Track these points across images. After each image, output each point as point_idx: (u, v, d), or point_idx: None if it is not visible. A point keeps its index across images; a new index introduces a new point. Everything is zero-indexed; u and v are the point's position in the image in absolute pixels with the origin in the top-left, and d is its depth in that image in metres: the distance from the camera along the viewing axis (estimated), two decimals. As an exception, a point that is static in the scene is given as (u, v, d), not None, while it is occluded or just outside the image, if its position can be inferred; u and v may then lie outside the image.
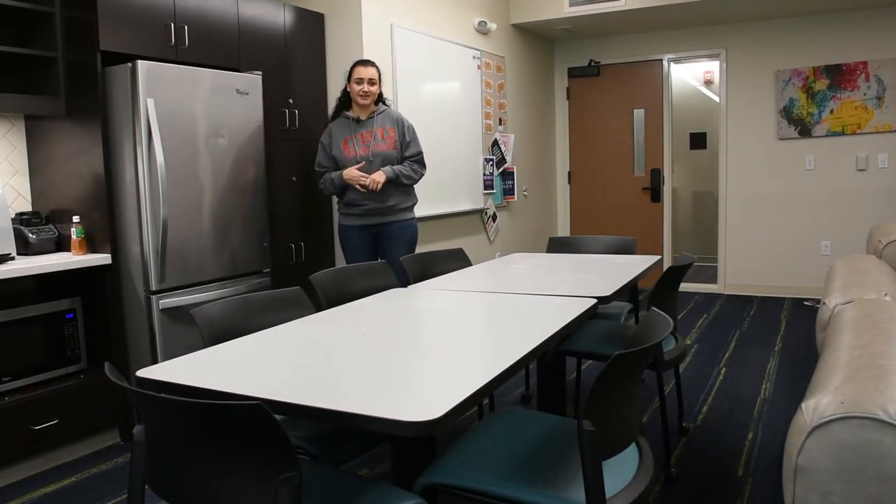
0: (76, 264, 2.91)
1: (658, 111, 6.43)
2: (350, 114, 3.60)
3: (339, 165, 3.60)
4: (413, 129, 3.68)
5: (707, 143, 7.55)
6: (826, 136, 5.79)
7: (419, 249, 4.57)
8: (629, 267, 2.85)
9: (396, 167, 3.56)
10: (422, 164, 3.69)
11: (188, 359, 1.66)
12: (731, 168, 6.19)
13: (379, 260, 3.41)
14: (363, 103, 3.54)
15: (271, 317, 2.12)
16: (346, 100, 3.63)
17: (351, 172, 3.49)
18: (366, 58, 4.11)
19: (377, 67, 3.58)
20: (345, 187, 3.57)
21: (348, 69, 3.61)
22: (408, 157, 3.63)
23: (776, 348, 4.41)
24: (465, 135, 5.17)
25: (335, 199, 3.98)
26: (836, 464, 1.31)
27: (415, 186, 3.75)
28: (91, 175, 3.05)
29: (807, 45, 5.79)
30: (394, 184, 3.57)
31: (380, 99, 3.65)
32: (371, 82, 3.52)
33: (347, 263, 3.64)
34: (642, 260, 3.05)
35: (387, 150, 3.58)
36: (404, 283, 2.74)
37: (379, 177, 3.49)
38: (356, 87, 3.52)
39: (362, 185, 3.48)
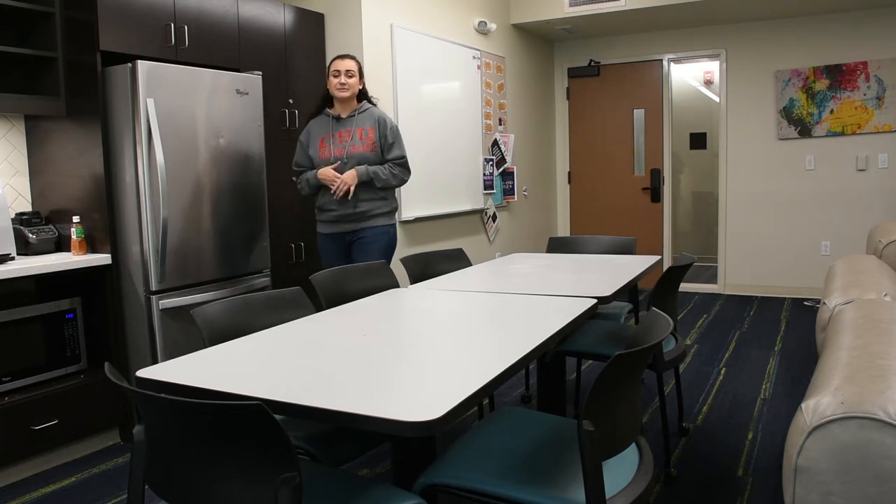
0: (76, 264, 2.91)
1: (658, 111, 6.43)
2: (331, 111, 3.40)
3: (314, 165, 3.40)
4: (397, 131, 3.41)
5: (707, 143, 7.55)
6: (826, 136, 5.79)
7: (418, 250, 4.58)
8: (629, 267, 2.85)
9: (372, 167, 3.31)
10: (405, 168, 3.41)
11: (188, 359, 1.66)
12: (731, 168, 6.19)
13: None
14: (342, 96, 3.32)
15: (271, 317, 2.12)
16: (328, 97, 3.43)
17: (326, 172, 3.29)
18: (367, 58, 4.13)
19: (356, 60, 3.37)
20: (319, 188, 3.38)
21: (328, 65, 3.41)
22: (390, 161, 3.37)
23: (776, 348, 4.41)
24: (466, 135, 5.17)
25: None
26: (836, 464, 1.31)
27: (401, 189, 3.56)
28: (91, 175, 3.06)
29: (807, 45, 5.79)
30: (367, 186, 3.32)
31: (364, 97, 3.44)
32: (349, 74, 3.31)
33: None
34: (642, 260, 3.05)
35: (364, 151, 3.33)
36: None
37: (350, 178, 3.26)
38: (333, 80, 3.32)
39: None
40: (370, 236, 3.38)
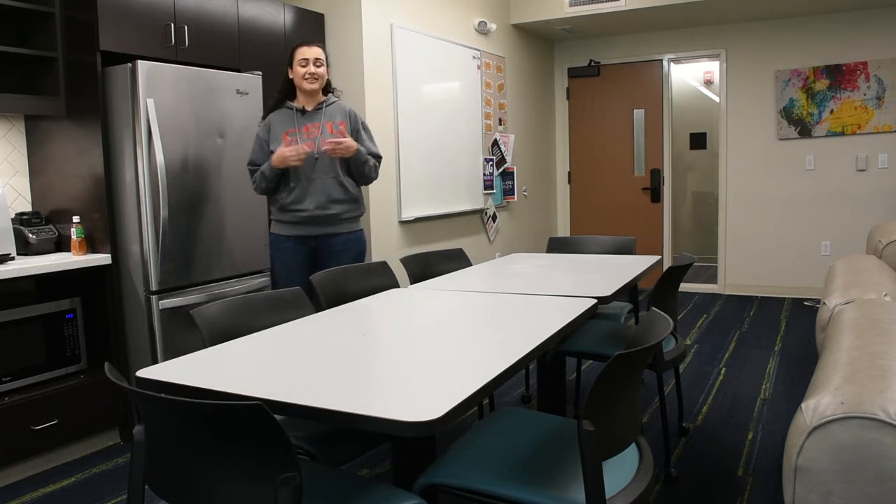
0: (76, 264, 2.91)
1: (658, 111, 6.43)
2: (294, 103, 3.08)
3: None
4: (367, 125, 3.19)
5: (707, 143, 7.55)
6: (826, 136, 5.79)
7: (418, 250, 4.57)
8: (629, 267, 2.85)
9: (365, 155, 3.07)
10: (378, 166, 3.18)
11: (188, 359, 1.66)
12: (731, 168, 6.19)
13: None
14: (310, 88, 3.01)
15: (271, 317, 2.12)
16: (288, 88, 3.10)
17: (283, 150, 2.93)
18: (367, 58, 4.13)
19: (323, 48, 3.09)
20: (278, 180, 3.03)
21: (289, 54, 3.08)
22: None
23: (776, 348, 4.41)
24: (466, 135, 5.17)
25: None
26: (836, 464, 1.31)
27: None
28: (91, 175, 3.06)
29: (807, 45, 5.79)
30: (340, 185, 3.07)
31: (329, 89, 3.16)
32: (317, 63, 3.01)
33: (279, 281, 3.15)
34: (642, 260, 3.05)
35: None
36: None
37: (352, 143, 2.98)
38: (300, 70, 2.99)
39: (324, 149, 2.91)
40: (341, 243, 3.14)
